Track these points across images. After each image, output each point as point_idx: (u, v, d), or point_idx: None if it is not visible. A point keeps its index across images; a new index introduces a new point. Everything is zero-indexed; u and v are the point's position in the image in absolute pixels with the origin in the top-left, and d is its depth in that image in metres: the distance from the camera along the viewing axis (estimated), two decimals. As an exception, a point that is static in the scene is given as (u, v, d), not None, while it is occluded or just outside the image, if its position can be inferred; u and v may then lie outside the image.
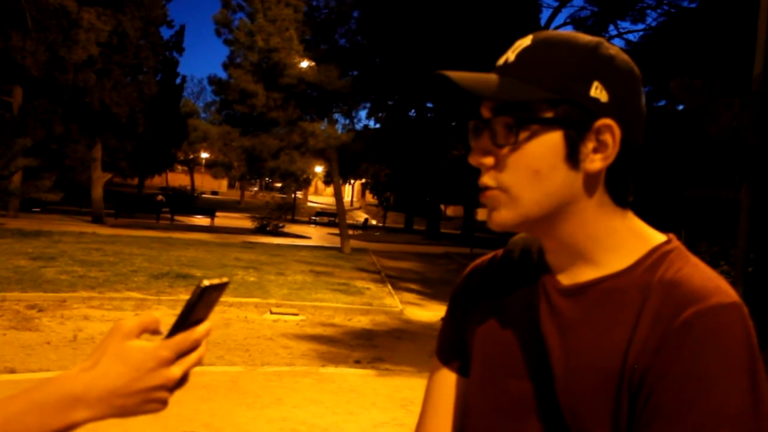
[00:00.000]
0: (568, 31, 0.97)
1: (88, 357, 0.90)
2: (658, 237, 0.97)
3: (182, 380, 0.93)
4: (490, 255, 1.16)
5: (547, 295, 0.97)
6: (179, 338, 0.90)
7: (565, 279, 0.97)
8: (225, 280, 0.93)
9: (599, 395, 0.87)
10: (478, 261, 1.18)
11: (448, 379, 1.15)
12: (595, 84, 0.90)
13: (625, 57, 0.94)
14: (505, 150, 0.92)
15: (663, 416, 0.81)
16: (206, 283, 0.88)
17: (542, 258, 1.02)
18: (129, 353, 0.88)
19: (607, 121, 0.90)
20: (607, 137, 0.90)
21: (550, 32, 0.96)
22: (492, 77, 0.95)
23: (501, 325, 1.03)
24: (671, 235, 0.97)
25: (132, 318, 0.91)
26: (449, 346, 1.16)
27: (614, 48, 0.94)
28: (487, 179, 0.95)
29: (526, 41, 0.95)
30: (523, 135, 0.91)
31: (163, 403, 0.92)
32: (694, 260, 0.92)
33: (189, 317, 0.90)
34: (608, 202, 0.95)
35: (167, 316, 0.90)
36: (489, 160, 0.94)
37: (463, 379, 1.12)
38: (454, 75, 0.91)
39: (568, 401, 0.90)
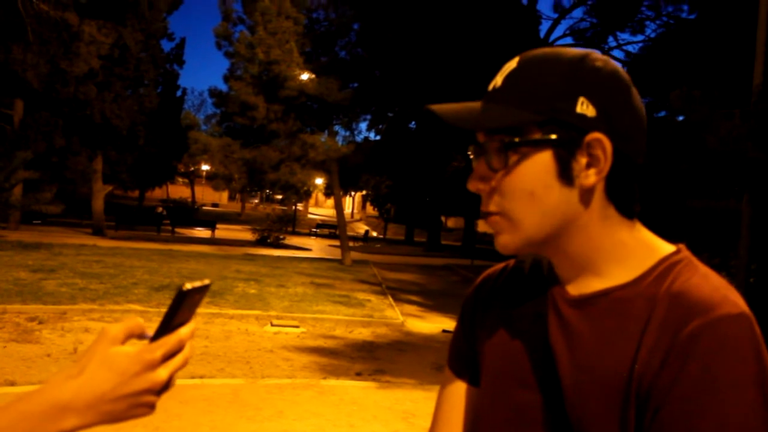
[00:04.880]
0: (554, 48, 0.97)
1: (74, 364, 0.89)
2: (666, 247, 0.96)
3: (168, 384, 0.92)
4: (501, 265, 1.16)
5: (556, 305, 0.97)
6: (164, 341, 0.90)
7: (574, 290, 0.97)
8: (207, 282, 0.93)
9: (606, 406, 0.87)
10: (489, 271, 1.18)
11: (458, 389, 1.15)
12: (581, 100, 0.90)
13: (612, 67, 0.93)
14: (499, 174, 0.93)
15: (673, 430, 0.81)
16: (188, 286, 0.88)
17: (552, 269, 1.02)
18: (114, 358, 0.88)
19: (597, 135, 0.89)
20: (598, 151, 0.90)
21: (537, 51, 0.96)
22: (478, 106, 0.96)
23: (510, 335, 1.03)
24: (681, 245, 0.97)
25: (117, 324, 0.91)
26: (459, 356, 1.17)
27: (601, 59, 0.93)
28: (487, 204, 0.96)
29: (513, 64, 0.96)
30: (513, 158, 0.92)
31: (151, 407, 0.92)
32: (704, 270, 0.92)
33: (172, 320, 0.91)
34: (613, 214, 0.94)
35: (155, 322, 0.90)
36: (485, 186, 0.95)
37: (473, 388, 1.13)
38: (439, 109, 0.93)
39: (576, 412, 0.90)
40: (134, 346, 0.90)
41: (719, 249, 13.46)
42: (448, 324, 13.43)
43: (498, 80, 0.96)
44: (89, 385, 0.87)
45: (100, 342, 0.90)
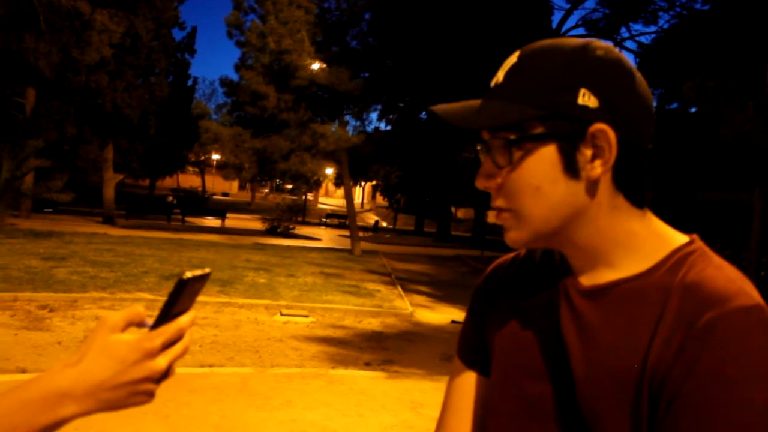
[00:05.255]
0: (555, 40, 0.96)
1: (74, 352, 0.90)
2: (679, 238, 0.96)
3: (167, 372, 0.92)
4: (511, 255, 1.15)
5: (568, 296, 0.97)
6: (163, 329, 0.90)
7: (586, 280, 0.96)
8: (207, 270, 0.93)
9: (619, 397, 0.87)
10: (500, 260, 1.17)
11: (468, 379, 1.15)
12: (582, 91, 0.89)
13: (614, 55, 0.92)
14: (505, 171, 0.93)
15: (686, 422, 0.80)
16: (188, 275, 0.89)
17: (563, 260, 1.02)
18: (113, 346, 0.88)
19: (600, 125, 0.88)
20: (602, 142, 0.89)
21: (537, 45, 0.95)
22: (479, 104, 0.95)
23: (521, 325, 1.03)
24: (694, 236, 0.96)
25: (116, 312, 0.91)
26: (469, 346, 1.16)
27: (602, 48, 0.92)
28: (495, 201, 0.96)
29: (513, 59, 0.95)
30: (517, 154, 0.91)
31: (150, 395, 0.92)
32: (718, 261, 0.91)
33: (172, 309, 0.91)
34: (623, 204, 0.93)
35: (157, 311, 0.90)
36: (492, 183, 0.95)
37: (483, 379, 1.12)
38: (441, 110, 0.94)
39: (588, 403, 0.89)
40: (134, 335, 0.90)
41: (730, 241, 13.41)
42: (458, 315, 13.43)
43: (500, 76, 0.96)
44: (88, 372, 0.87)
45: (99, 330, 0.90)
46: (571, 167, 0.90)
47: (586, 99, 0.89)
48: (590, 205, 0.92)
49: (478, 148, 0.98)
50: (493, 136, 0.93)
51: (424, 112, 32.11)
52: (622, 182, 0.92)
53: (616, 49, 0.94)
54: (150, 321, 0.92)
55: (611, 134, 0.88)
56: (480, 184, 0.97)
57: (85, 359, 0.88)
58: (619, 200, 0.93)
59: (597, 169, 0.90)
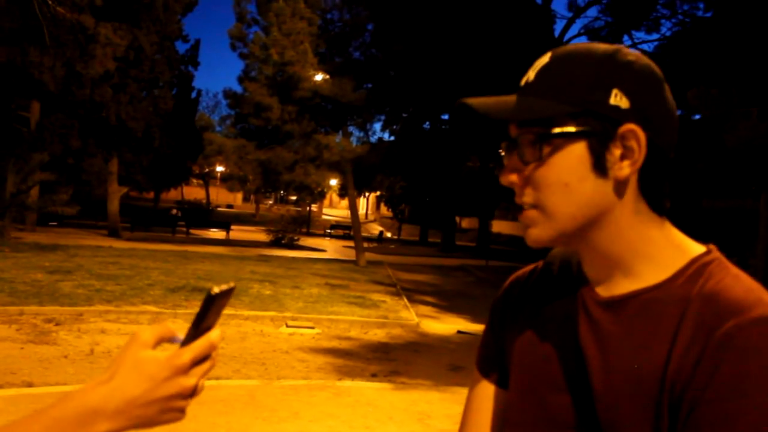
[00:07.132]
0: (586, 43, 0.97)
1: (105, 369, 0.90)
2: (697, 248, 0.95)
3: (196, 389, 0.92)
4: (530, 267, 1.15)
5: (586, 307, 0.97)
6: (194, 346, 0.90)
7: (604, 291, 0.96)
8: (232, 285, 0.92)
9: (639, 408, 0.86)
10: (519, 272, 1.17)
11: (487, 391, 1.14)
12: (615, 91, 0.89)
13: (645, 61, 0.93)
14: (532, 166, 0.93)
15: (707, 431, 0.79)
16: (216, 290, 0.88)
17: (581, 270, 1.01)
18: (144, 363, 0.88)
19: (631, 126, 0.89)
20: (632, 143, 0.89)
21: (569, 47, 0.96)
22: (511, 99, 0.96)
23: (540, 337, 1.02)
24: (711, 246, 0.96)
25: (148, 328, 0.91)
26: (488, 358, 1.16)
27: (633, 54, 0.93)
28: (520, 197, 0.96)
29: (545, 59, 0.96)
30: (546, 150, 0.91)
31: (182, 411, 0.92)
32: (735, 271, 0.91)
33: (201, 325, 0.91)
34: (645, 210, 0.94)
35: (177, 325, 0.89)
36: (518, 178, 0.95)
37: (502, 391, 1.12)
38: (474, 102, 0.94)
39: (608, 414, 0.89)
40: (164, 351, 0.90)
41: (737, 249, 13.38)
42: (464, 325, 13.41)
43: (530, 75, 0.96)
44: (120, 390, 0.87)
45: (130, 346, 0.90)
46: (599, 165, 0.90)
47: (618, 99, 0.89)
48: (615, 206, 0.92)
49: (502, 147, 0.98)
50: (523, 131, 0.93)
51: (427, 123, 32.19)
52: (646, 187, 0.93)
53: (646, 57, 0.95)
54: (180, 336, 0.92)
55: (641, 135, 0.89)
56: (505, 179, 0.97)
57: (117, 376, 0.88)
58: (641, 206, 0.93)
59: (625, 169, 0.90)
